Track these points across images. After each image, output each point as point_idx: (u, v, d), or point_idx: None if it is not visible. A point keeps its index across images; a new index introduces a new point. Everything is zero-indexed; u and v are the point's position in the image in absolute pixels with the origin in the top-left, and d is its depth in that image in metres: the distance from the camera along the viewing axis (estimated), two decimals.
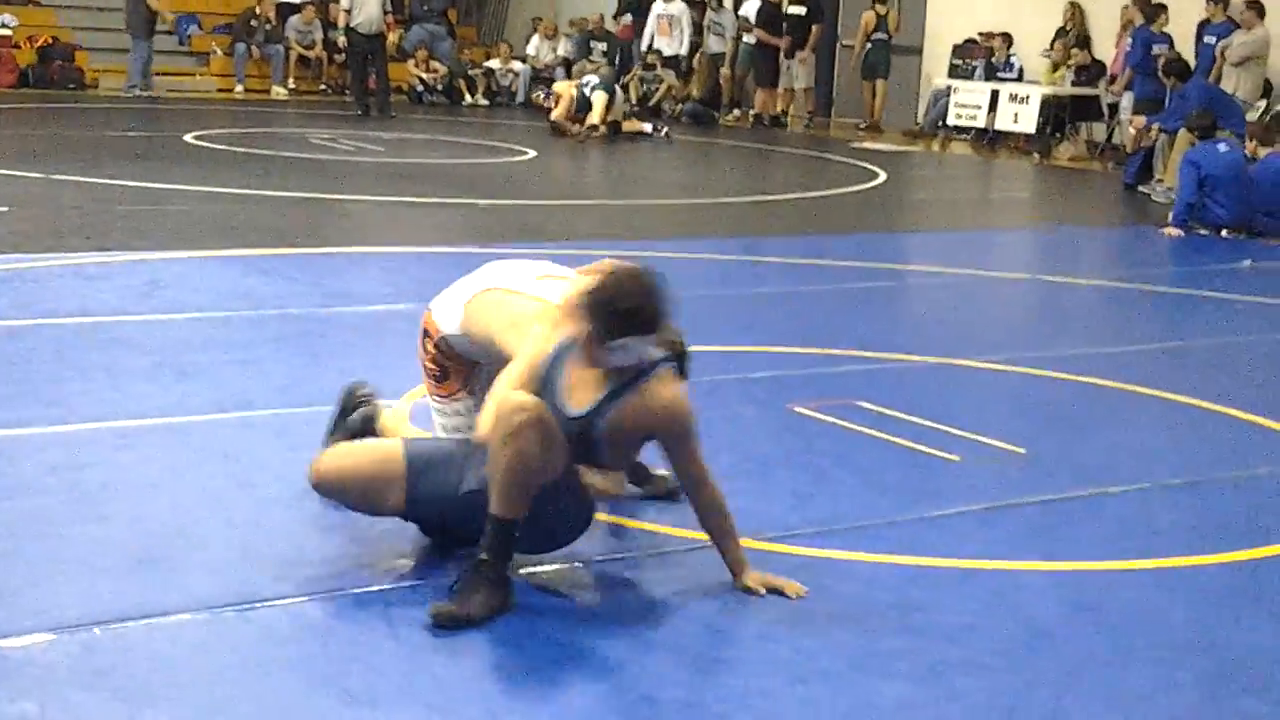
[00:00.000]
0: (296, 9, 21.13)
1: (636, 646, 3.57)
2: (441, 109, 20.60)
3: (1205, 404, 6.29)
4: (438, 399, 4.51)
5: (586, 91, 17.35)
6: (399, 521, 4.04)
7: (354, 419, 4.54)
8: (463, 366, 4.43)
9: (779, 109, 20.17)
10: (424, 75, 21.30)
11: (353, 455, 4.00)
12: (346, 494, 3.98)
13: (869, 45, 19.24)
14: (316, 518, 4.22)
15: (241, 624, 3.59)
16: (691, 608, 3.81)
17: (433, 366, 4.44)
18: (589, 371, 3.88)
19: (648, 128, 17.59)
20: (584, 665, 3.48)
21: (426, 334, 4.44)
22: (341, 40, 18.49)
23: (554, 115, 17.48)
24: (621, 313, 3.79)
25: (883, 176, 14.86)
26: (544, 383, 3.89)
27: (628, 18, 22.08)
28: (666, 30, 21.04)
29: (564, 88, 17.92)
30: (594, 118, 17.15)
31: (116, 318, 6.83)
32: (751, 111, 20.59)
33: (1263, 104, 14.43)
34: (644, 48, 20.96)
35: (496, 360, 4.14)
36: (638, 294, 3.85)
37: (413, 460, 3.93)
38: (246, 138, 15.10)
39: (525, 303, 4.18)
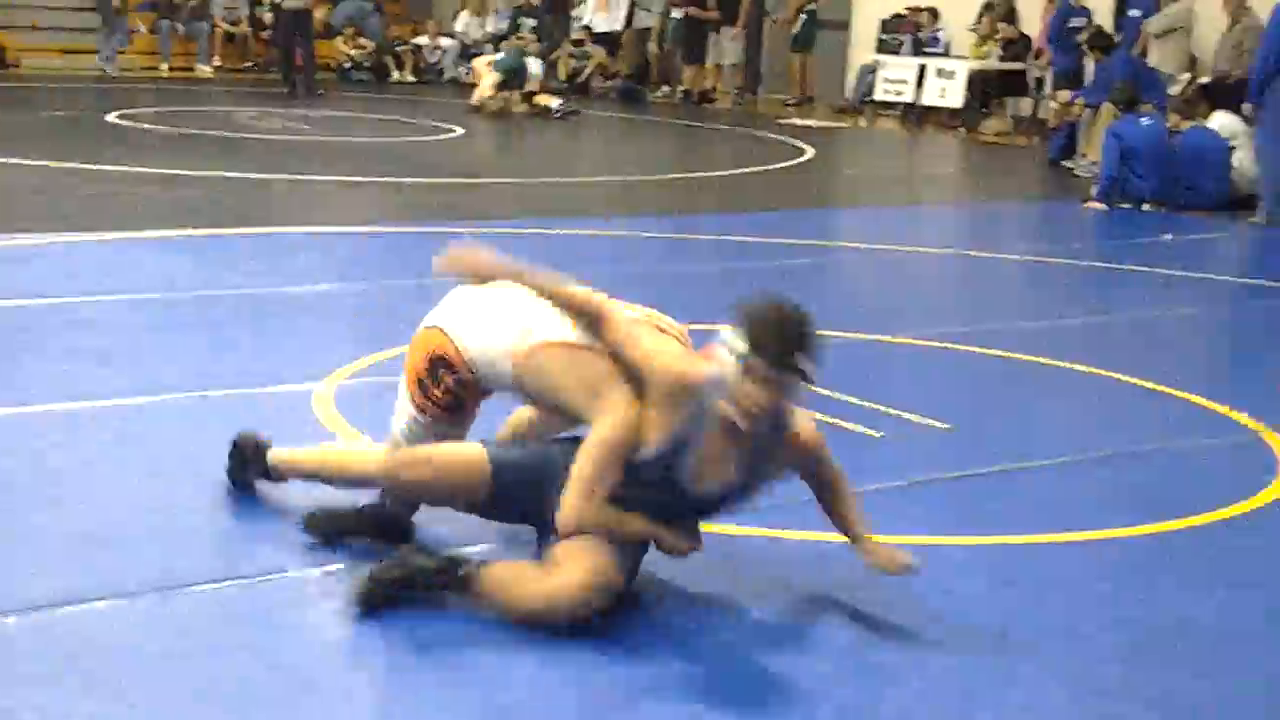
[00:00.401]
0: None
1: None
2: (369, 86, 20.45)
3: (1127, 377, 6.36)
4: (428, 416, 3.97)
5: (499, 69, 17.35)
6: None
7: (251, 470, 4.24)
8: (481, 396, 4.00)
9: (708, 85, 20.18)
10: (351, 52, 21.14)
11: (433, 465, 3.74)
12: (425, 495, 3.88)
13: (802, 18, 19.29)
14: (242, 502, 4.21)
15: (180, 606, 3.58)
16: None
17: (443, 396, 3.92)
18: (722, 440, 3.59)
19: (554, 104, 17.41)
20: (510, 648, 3.49)
21: (442, 362, 3.89)
22: (268, 17, 18.33)
23: (476, 95, 17.31)
24: (791, 337, 3.47)
25: (811, 153, 14.91)
26: (665, 465, 3.59)
27: None
28: (605, 6, 20.98)
29: (480, 65, 17.83)
30: (477, 95, 17.06)
31: (35, 301, 6.75)
32: (681, 88, 20.58)
33: (1185, 77, 14.57)
34: (583, 23, 20.92)
35: (563, 412, 3.82)
36: (788, 313, 3.53)
37: (500, 472, 3.71)
38: (171, 116, 14.93)
39: (597, 362, 3.69)
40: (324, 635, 3.50)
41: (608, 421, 3.59)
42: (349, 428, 5.00)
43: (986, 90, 17.99)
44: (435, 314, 3.99)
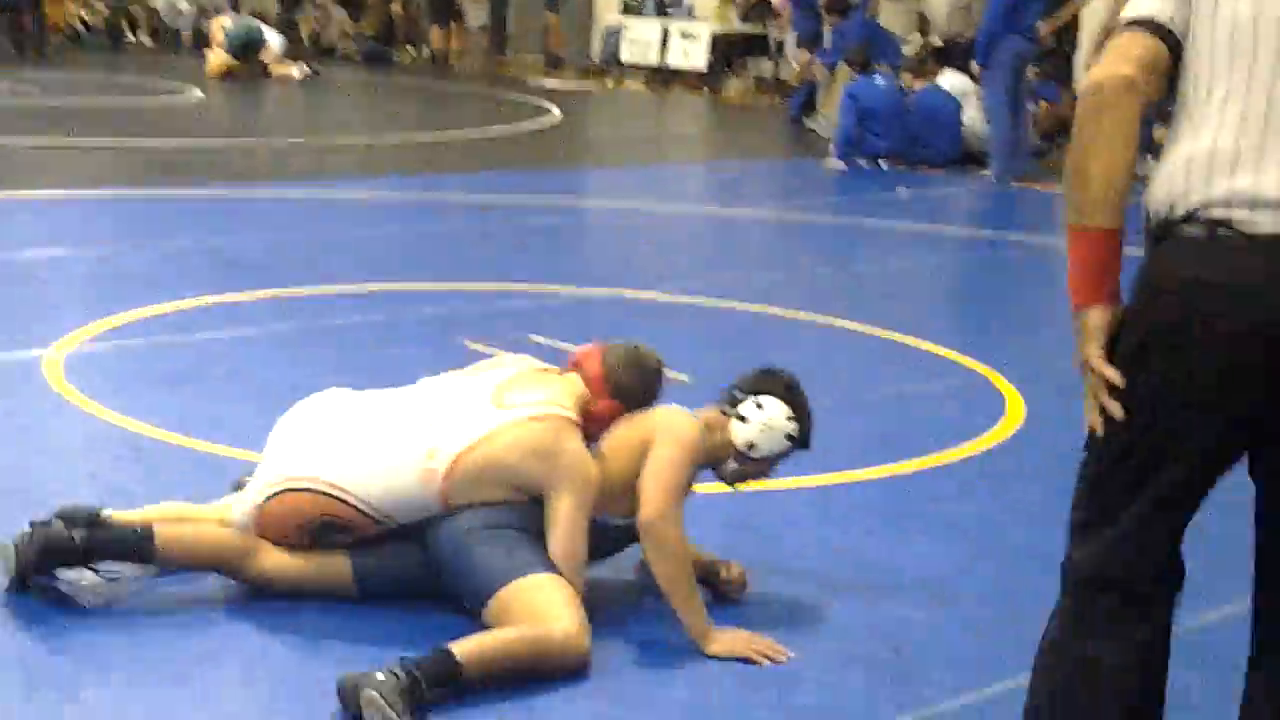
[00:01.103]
0: None
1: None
2: (103, 49, 19.78)
3: (866, 328, 6.54)
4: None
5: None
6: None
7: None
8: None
9: (456, 46, 20.02)
10: (83, 14, 20.40)
11: (301, 576, 3.48)
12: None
13: None
14: None
15: None
16: None
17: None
18: None
19: (295, 72, 17.01)
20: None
21: (333, 525, 3.47)
22: None
23: (210, 69, 16.71)
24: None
25: (558, 114, 14.93)
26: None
27: None
28: None
29: (216, 27, 17.30)
30: (209, 72, 16.55)
31: None
32: (427, 49, 20.39)
33: (917, 38, 15.00)
34: None
35: (519, 493, 3.50)
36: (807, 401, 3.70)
37: (364, 582, 3.51)
38: None
39: (516, 430, 3.49)
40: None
41: (665, 440, 3.50)
42: (79, 394, 4.85)
43: (729, 52, 18.25)
44: (287, 469, 3.48)
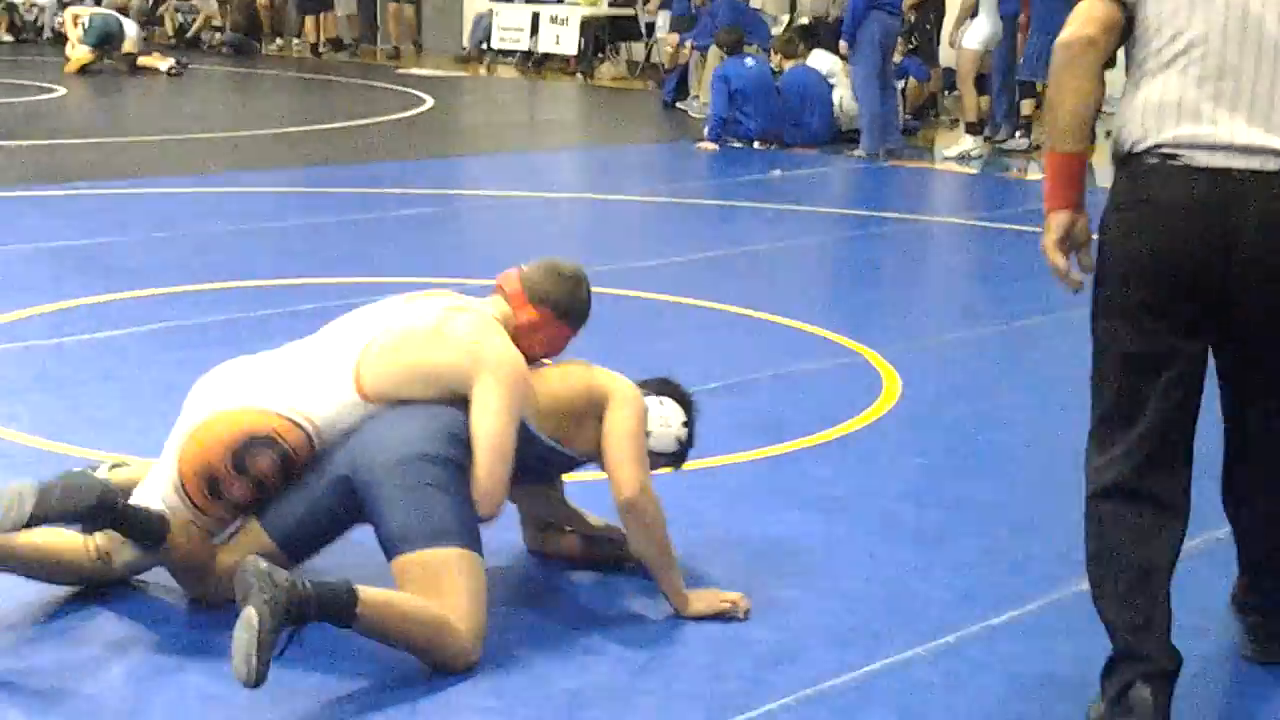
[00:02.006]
0: None
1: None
2: None
3: (741, 310, 6.59)
4: (209, 518, 3.42)
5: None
6: None
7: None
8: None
9: (327, 36, 19.79)
10: None
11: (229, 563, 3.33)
12: None
13: None
14: None
15: None
16: None
17: (245, 491, 3.39)
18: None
19: (163, 66, 16.71)
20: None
21: (263, 442, 3.35)
22: None
23: (69, 66, 16.31)
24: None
25: (430, 102, 14.83)
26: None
27: None
28: None
29: (69, 19, 16.91)
30: (69, 68, 16.17)
31: None
32: (295, 40, 20.16)
33: (786, 19, 15.10)
34: None
35: (441, 391, 3.41)
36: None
37: (286, 543, 3.43)
38: None
39: (434, 335, 3.50)
40: None
41: (624, 406, 3.55)
42: None
43: (600, 36, 18.24)
44: (197, 416, 3.41)
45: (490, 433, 3.37)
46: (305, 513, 3.41)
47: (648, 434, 3.64)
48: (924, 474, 4.66)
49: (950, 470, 4.69)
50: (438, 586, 3.21)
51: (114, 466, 3.80)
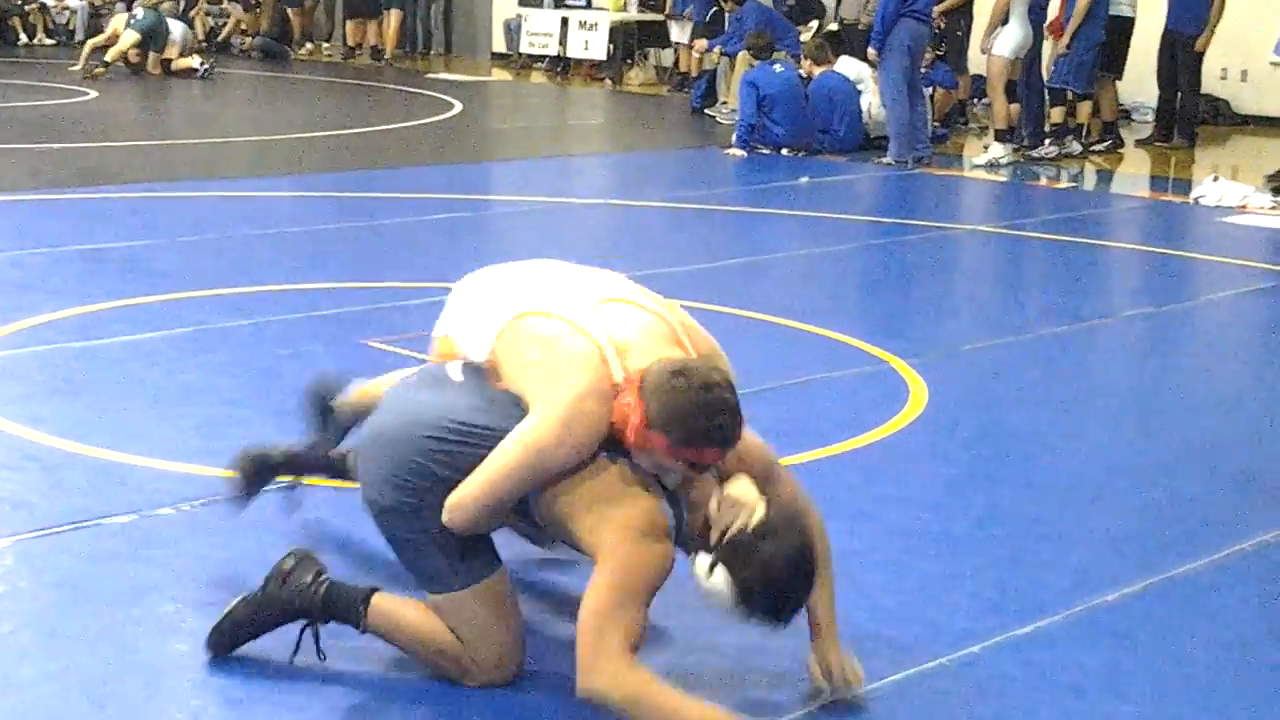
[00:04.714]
0: None
1: None
2: None
3: (768, 316, 6.58)
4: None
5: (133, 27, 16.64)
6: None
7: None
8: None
9: (372, 41, 19.75)
10: None
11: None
12: None
13: None
14: None
15: None
16: None
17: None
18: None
19: (195, 63, 16.85)
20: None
21: None
22: None
23: (111, 56, 16.55)
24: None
25: (459, 107, 14.86)
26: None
27: None
28: None
29: (118, 23, 17.09)
30: (112, 53, 16.38)
31: None
32: (325, 44, 20.21)
33: (814, 24, 15.08)
34: None
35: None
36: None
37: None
38: None
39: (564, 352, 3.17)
40: None
41: (607, 560, 2.97)
42: None
43: (629, 41, 18.25)
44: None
45: (496, 467, 3.04)
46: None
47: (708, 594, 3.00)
48: (950, 483, 4.64)
49: (976, 479, 4.68)
50: (450, 625, 3.17)
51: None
